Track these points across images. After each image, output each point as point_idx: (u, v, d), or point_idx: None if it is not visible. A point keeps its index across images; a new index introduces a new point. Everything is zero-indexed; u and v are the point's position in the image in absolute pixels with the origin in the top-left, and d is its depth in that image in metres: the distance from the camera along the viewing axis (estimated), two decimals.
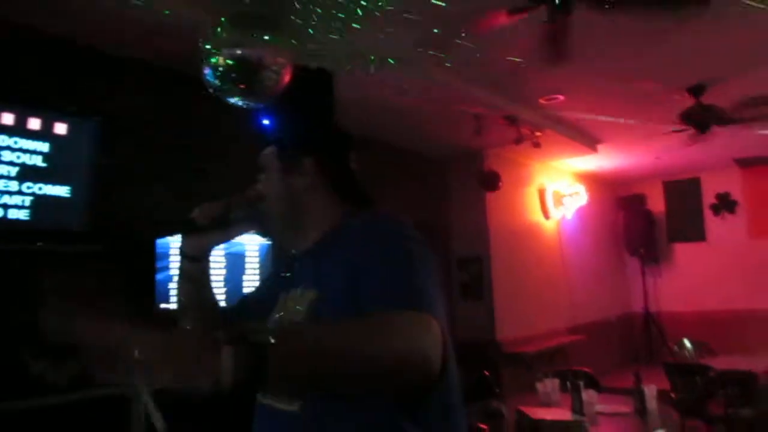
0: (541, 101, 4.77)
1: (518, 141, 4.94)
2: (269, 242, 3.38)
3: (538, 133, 5.06)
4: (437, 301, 0.88)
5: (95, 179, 2.85)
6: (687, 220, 8.38)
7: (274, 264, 3.39)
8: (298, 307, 0.99)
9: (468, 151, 5.82)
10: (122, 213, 3.01)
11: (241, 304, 1.29)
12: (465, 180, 6.03)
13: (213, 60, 1.14)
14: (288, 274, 1.09)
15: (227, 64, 1.13)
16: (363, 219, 1.01)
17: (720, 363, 4.20)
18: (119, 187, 3.03)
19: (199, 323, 1.20)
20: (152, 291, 2.94)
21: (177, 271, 1.24)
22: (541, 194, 6.94)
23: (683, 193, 8.42)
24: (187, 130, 3.38)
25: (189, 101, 3.22)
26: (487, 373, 4.03)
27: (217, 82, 1.14)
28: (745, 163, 7.48)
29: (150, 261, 2.95)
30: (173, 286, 2.98)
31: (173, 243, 3.02)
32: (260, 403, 0.99)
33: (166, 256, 2.99)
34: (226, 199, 1.13)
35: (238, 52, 1.14)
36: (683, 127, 4.78)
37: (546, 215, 6.95)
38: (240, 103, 1.19)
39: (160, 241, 2.97)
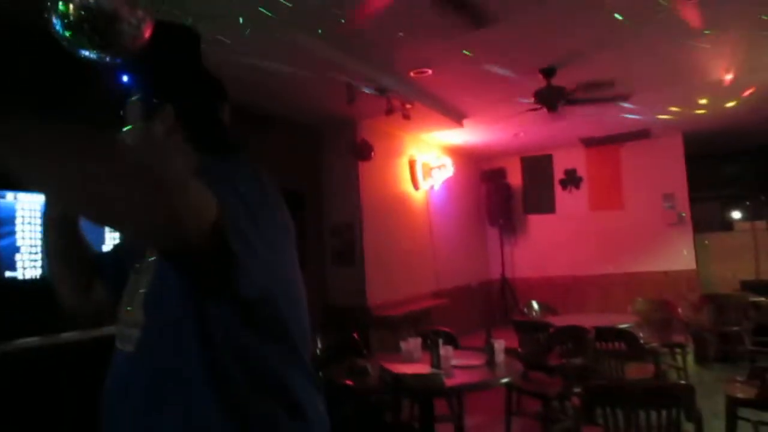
0: (411, 74, 4.94)
1: (389, 112, 5.07)
2: None
3: (408, 105, 5.24)
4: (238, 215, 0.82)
5: None
6: (540, 193, 9.13)
7: None
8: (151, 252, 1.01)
9: (341, 119, 5.88)
10: None
11: (116, 249, 1.26)
12: (338, 149, 6.10)
13: (61, 8, 1.06)
14: None
15: (78, 14, 1.06)
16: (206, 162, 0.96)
17: (560, 321, 4.72)
18: None
19: (71, 263, 1.16)
20: None
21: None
22: (412, 165, 7.21)
23: (537, 168, 9.15)
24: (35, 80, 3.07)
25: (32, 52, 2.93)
26: (355, 336, 4.19)
27: (67, 33, 1.07)
28: (588, 143, 8.31)
29: None
30: (19, 256, 2.75)
31: (21, 205, 2.77)
32: (115, 344, 1.00)
33: (11, 221, 2.74)
34: None
35: (92, 1, 1.07)
36: (537, 105, 5.21)
37: (416, 186, 7.25)
38: (94, 57, 1.12)
39: (3, 204, 2.71)
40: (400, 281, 6.63)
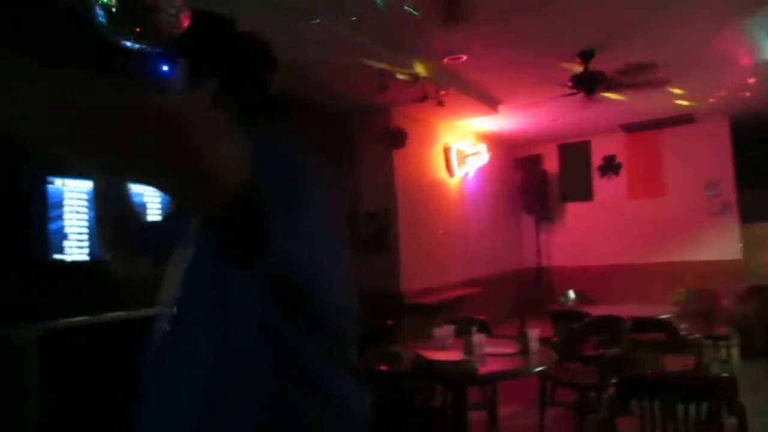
0: (445, 60, 4.89)
1: (423, 99, 5.04)
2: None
3: (442, 92, 5.20)
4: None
5: None
6: (577, 180, 8.95)
7: None
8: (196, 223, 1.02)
9: (375, 107, 5.87)
10: (8, 160, 2.81)
11: (166, 220, 1.31)
12: (372, 136, 6.11)
13: (104, 0, 1.09)
14: None
15: (119, 3, 1.08)
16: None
17: (596, 311, 4.64)
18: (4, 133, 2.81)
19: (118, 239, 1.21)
20: (45, 241, 2.80)
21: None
22: (446, 152, 7.16)
23: (575, 154, 8.97)
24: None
25: (78, 42, 3.02)
26: (389, 322, 4.22)
27: (108, 22, 1.09)
28: (628, 128, 8.10)
29: (42, 210, 2.80)
30: (69, 237, 2.88)
31: (69, 191, 2.89)
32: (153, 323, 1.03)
33: (60, 205, 2.85)
34: None
35: None
36: (574, 90, 5.10)
37: (450, 173, 7.20)
38: (134, 46, 1.15)
39: (52, 189, 2.82)
40: (434, 269, 6.62)
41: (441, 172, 7.09)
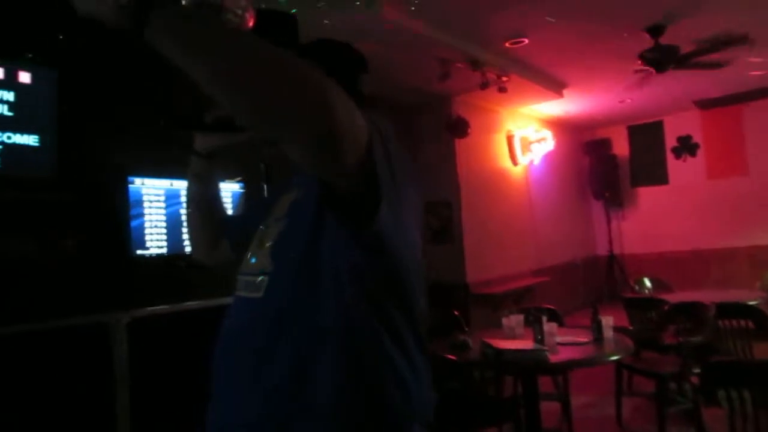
0: (506, 45, 4.79)
1: (484, 86, 4.96)
2: (242, 189, 3.43)
3: (504, 78, 5.10)
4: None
5: (62, 127, 2.83)
6: (650, 163, 8.58)
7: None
8: (283, 208, 1.06)
9: (435, 96, 5.83)
10: (92, 160, 3.01)
11: (249, 205, 1.39)
12: (433, 126, 6.08)
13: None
14: (282, 181, 1.17)
15: (190, 6, 1.13)
16: None
17: (674, 298, 4.43)
18: (87, 134, 3.02)
19: (207, 219, 1.31)
20: (128, 237, 2.99)
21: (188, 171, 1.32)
22: (509, 140, 7.03)
23: (646, 136, 8.59)
24: (151, 75, 3.34)
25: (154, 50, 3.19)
26: (456, 313, 4.21)
27: None
28: (704, 105, 7.65)
29: (125, 207, 2.99)
30: (148, 233, 3.06)
31: (148, 190, 3.06)
32: (234, 295, 1.06)
33: (140, 203, 3.03)
34: None
35: None
36: (644, 68, 4.87)
37: (514, 161, 7.07)
38: None
39: (132, 188, 3.00)
40: (500, 259, 6.53)
41: (505, 161, 6.97)
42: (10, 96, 2.69)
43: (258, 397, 0.91)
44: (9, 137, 2.68)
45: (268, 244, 1.04)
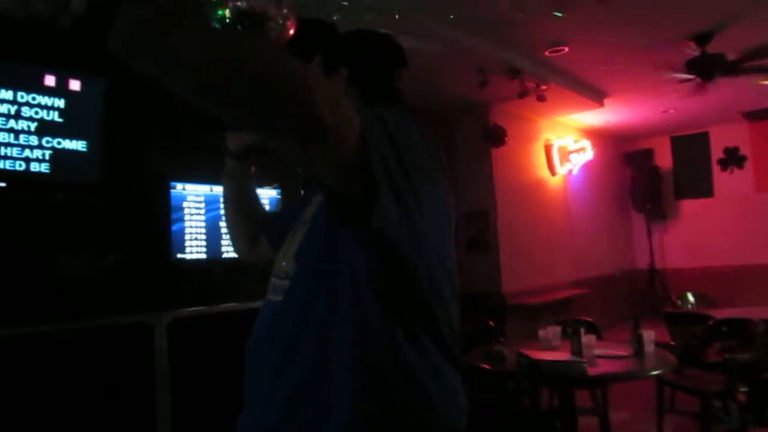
0: (546, 53, 4.74)
1: (523, 95, 4.91)
2: (279, 195, 3.48)
3: (543, 87, 5.05)
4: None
5: (109, 134, 2.94)
6: (694, 175, 8.34)
7: None
8: (311, 212, 1.07)
9: (472, 104, 5.81)
10: (136, 166, 3.11)
11: (282, 209, 1.40)
12: (470, 135, 6.04)
13: (219, 13, 1.18)
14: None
15: (233, 16, 1.16)
16: None
17: (719, 314, 4.27)
18: (132, 141, 3.12)
19: (244, 218, 1.34)
20: (168, 241, 3.07)
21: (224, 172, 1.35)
22: (547, 150, 6.94)
23: (691, 148, 8.36)
24: None
25: None
26: (491, 323, 4.15)
27: None
28: (752, 117, 7.40)
29: (166, 212, 3.07)
30: (188, 237, 3.14)
31: (189, 196, 3.14)
32: (265, 299, 1.07)
33: (181, 208, 3.11)
34: None
35: (243, 4, 1.17)
36: (690, 77, 4.75)
37: (552, 171, 6.97)
38: None
39: (174, 193, 3.09)
40: (537, 269, 6.43)
41: (542, 171, 6.88)
42: (60, 103, 2.81)
43: (279, 401, 0.91)
44: (59, 143, 2.79)
45: (294, 248, 1.04)
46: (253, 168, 1.35)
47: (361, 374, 0.88)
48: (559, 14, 3.50)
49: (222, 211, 1.39)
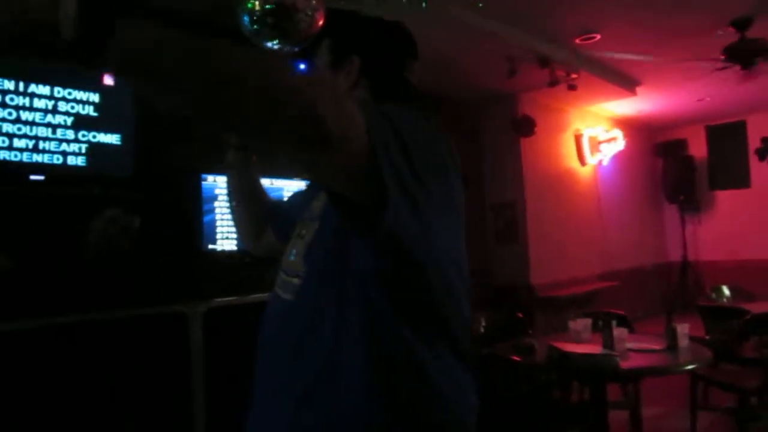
0: (577, 41, 4.64)
1: (552, 84, 4.83)
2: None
3: (573, 75, 4.96)
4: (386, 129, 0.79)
5: (141, 128, 2.99)
6: (730, 165, 8.11)
7: None
8: (319, 207, 1.04)
9: (501, 94, 5.74)
10: (167, 160, 3.16)
11: (289, 200, 1.40)
12: (498, 125, 5.98)
13: (249, 5, 1.18)
14: None
15: (263, 8, 1.17)
16: None
17: (756, 308, 4.15)
18: (164, 135, 3.17)
19: (250, 209, 1.33)
20: (200, 233, 3.12)
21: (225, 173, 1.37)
22: (577, 140, 6.83)
23: (727, 137, 8.13)
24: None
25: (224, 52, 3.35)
26: (520, 315, 4.13)
27: (253, 27, 1.19)
28: None
29: (198, 204, 3.12)
30: (219, 228, 3.19)
31: (219, 187, 3.19)
32: (273, 292, 1.06)
33: (212, 199, 3.15)
34: None
35: None
36: (727, 64, 4.60)
37: (582, 161, 6.86)
38: (275, 47, 1.23)
39: (205, 185, 3.13)
40: (566, 261, 6.35)
41: (572, 161, 6.77)
42: (95, 98, 2.87)
43: (290, 403, 0.91)
44: (94, 136, 2.86)
45: (303, 245, 1.02)
46: (254, 158, 1.34)
47: (372, 375, 0.87)
48: None
49: (227, 203, 1.39)
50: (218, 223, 3.18)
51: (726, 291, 5.20)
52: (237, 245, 3.18)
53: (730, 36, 4.41)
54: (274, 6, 1.14)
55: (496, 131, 6.04)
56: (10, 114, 2.61)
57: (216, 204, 3.17)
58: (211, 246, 3.13)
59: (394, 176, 0.78)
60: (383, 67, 1.08)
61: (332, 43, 1.10)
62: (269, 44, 1.21)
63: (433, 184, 0.87)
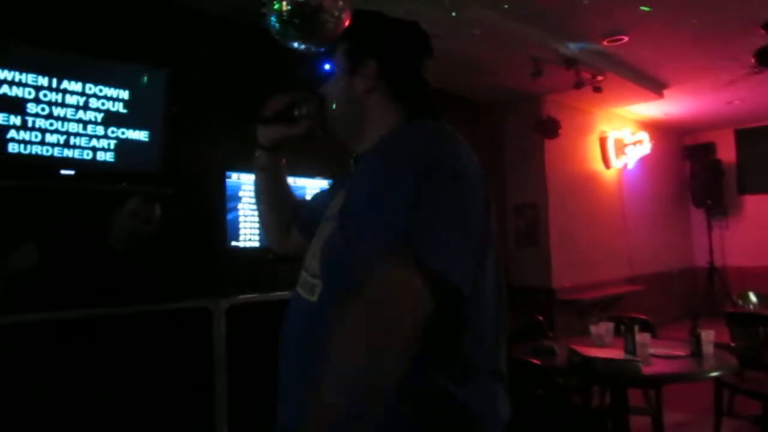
0: (604, 43, 4.59)
1: (578, 85, 4.78)
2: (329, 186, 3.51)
3: (599, 77, 4.90)
4: (426, 231, 0.80)
5: (169, 125, 3.04)
6: (760, 169, 7.93)
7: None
8: (337, 206, 1.02)
9: (525, 95, 5.70)
10: (193, 157, 3.22)
11: (314, 198, 1.40)
12: (522, 126, 5.94)
13: (276, 6, 1.20)
14: (344, 174, 1.14)
15: (290, 9, 1.18)
16: (407, 128, 1.00)
17: None
18: (190, 132, 3.23)
19: (277, 210, 1.33)
20: (224, 229, 3.17)
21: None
22: (602, 142, 6.75)
23: (757, 141, 7.95)
24: (251, 78, 3.53)
25: (251, 52, 3.39)
26: (540, 318, 4.09)
27: (280, 27, 1.20)
28: None
29: (222, 201, 3.17)
30: (243, 225, 3.23)
31: (244, 185, 3.23)
32: (295, 290, 1.07)
33: (236, 197, 3.20)
34: (292, 93, 1.18)
35: None
36: (758, 68, 4.51)
37: (607, 164, 6.78)
38: (302, 47, 1.24)
39: (229, 183, 3.18)
40: (589, 264, 6.28)
41: (597, 163, 6.70)
42: (125, 94, 2.93)
43: (310, 408, 0.87)
44: (123, 132, 2.92)
45: (319, 245, 1.02)
46: (284, 160, 1.33)
47: (393, 392, 0.83)
48: (647, 8, 3.37)
49: (254, 202, 1.39)
50: (241, 220, 3.23)
51: (753, 297, 5.09)
52: (260, 243, 3.22)
53: (761, 38, 4.31)
54: (300, 7, 1.15)
55: (520, 132, 6.00)
56: (43, 110, 2.69)
57: (240, 201, 3.22)
58: (234, 243, 3.18)
59: (467, 281, 0.84)
60: (401, 69, 1.08)
61: (348, 48, 1.09)
62: (295, 44, 1.22)
63: (482, 237, 0.90)
